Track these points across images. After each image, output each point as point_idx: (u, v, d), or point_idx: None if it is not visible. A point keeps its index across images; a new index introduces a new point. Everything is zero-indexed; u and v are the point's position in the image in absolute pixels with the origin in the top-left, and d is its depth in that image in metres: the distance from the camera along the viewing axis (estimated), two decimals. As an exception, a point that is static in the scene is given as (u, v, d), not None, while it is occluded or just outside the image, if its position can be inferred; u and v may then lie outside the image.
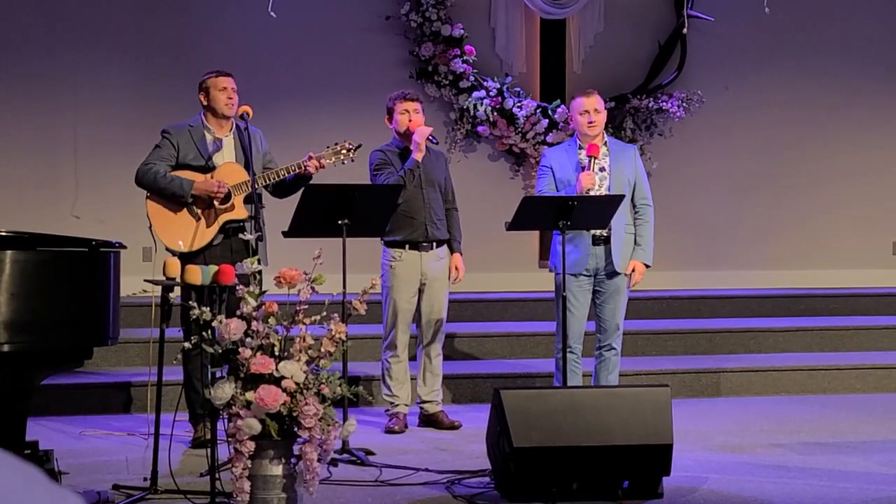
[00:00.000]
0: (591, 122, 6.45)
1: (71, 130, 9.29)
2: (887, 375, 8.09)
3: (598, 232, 6.39)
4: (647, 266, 6.56)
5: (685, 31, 9.92)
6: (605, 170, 6.48)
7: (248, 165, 6.08)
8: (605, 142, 6.59)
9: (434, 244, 6.73)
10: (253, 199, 6.01)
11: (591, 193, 6.34)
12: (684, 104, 9.90)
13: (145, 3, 9.34)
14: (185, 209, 6.18)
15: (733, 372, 7.96)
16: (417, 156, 6.59)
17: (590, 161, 6.36)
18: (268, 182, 6.25)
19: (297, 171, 6.23)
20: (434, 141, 6.67)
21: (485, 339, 8.32)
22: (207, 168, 6.21)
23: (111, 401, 7.19)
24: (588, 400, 5.21)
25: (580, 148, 6.50)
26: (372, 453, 5.92)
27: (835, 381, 8.02)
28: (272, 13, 8.97)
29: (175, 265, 5.08)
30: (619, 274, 6.46)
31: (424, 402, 6.82)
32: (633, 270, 6.50)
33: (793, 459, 5.93)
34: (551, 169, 6.50)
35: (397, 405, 6.72)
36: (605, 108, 9.59)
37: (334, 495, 5.13)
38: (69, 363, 4.71)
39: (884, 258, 10.39)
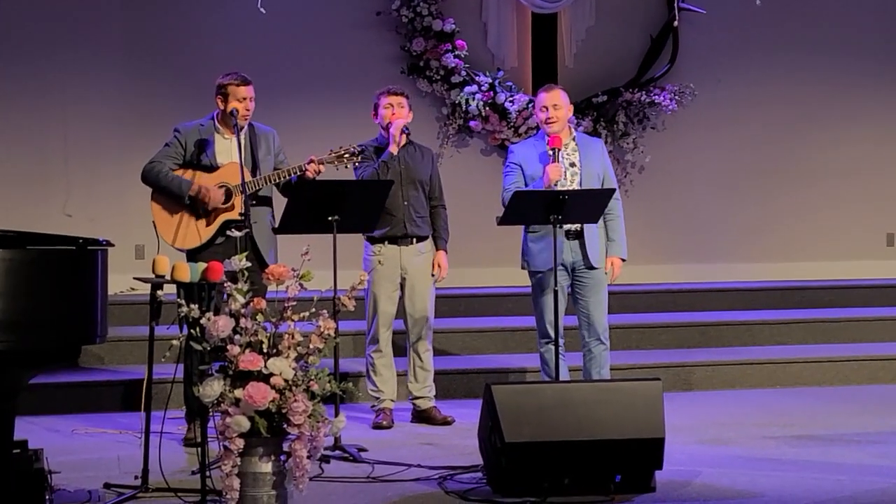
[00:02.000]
0: (548, 119, 6.43)
1: (61, 129, 9.27)
2: (882, 367, 8.08)
3: (570, 226, 6.37)
4: (623, 260, 6.54)
5: (677, 23, 9.90)
6: (575, 165, 6.46)
7: (254, 167, 6.13)
8: (574, 136, 6.56)
9: (413, 240, 6.71)
10: (254, 198, 6.09)
11: (559, 186, 6.30)
12: (677, 97, 9.89)
13: (134, 2, 9.31)
14: (186, 208, 6.22)
15: (727, 365, 7.95)
16: (393, 149, 6.61)
17: (554, 153, 6.33)
18: (265, 184, 6.25)
19: (298, 174, 6.24)
20: (406, 132, 6.65)
21: (477, 334, 8.31)
22: (212, 168, 6.25)
23: (104, 399, 7.17)
24: (579, 394, 5.20)
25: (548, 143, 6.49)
26: (364, 449, 5.91)
27: (829, 374, 8.01)
28: (261, 9, 8.95)
29: (164, 263, 5.08)
30: (596, 268, 6.44)
31: (416, 398, 6.80)
32: (612, 266, 6.48)
33: (786, 452, 5.92)
34: (520, 166, 6.48)
35: (383, 400, 6.71)
36: (597, 101, 9.74)
37: (325, 492, 5.12)
38: (57, 362, 4.69)
39: (878, 250, 10.39)
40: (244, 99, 6.25)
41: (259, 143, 6.34)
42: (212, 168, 6.27)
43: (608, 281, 6.50)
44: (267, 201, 6.40)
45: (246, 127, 6.30)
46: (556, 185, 6.28)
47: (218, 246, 6.21)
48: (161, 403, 5.94)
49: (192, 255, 6.17)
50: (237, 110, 6.17)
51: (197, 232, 6.24)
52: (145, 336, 5.24)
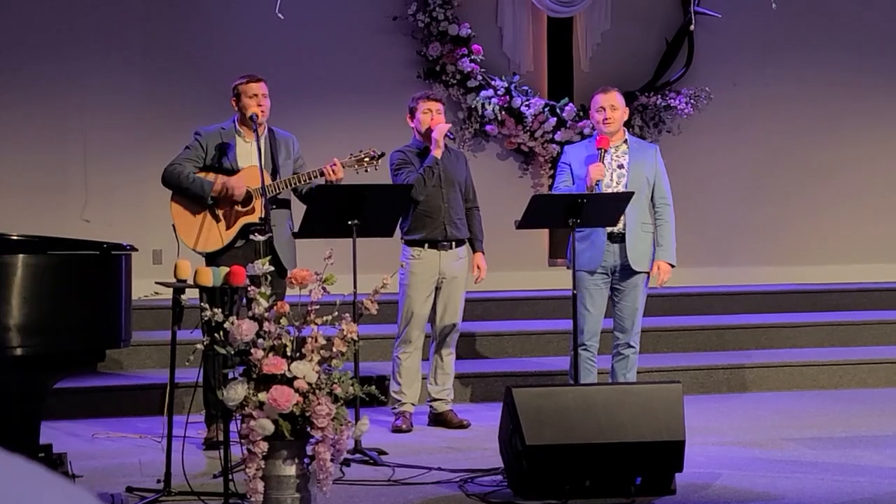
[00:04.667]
0: (605, 119, 6.46)
1: (80, 134, 9.31)
2: (899, 370, 8.09)
3: (614, 229, 6.39)
4: (672, 265, 6.53)
5: (692, 27, 9.92)
6: (623, 167, 6.49)
7: (274, 171, 6.16)
8: (626, 140, 6.58)
9: (453, 243, 6.75)
10: (274, 202, 6.09)
11: (603, 186, 6.34)
12: (692, 101, 9.90)
13: (153, 6, 9.36)
14: (206, 211, 6.24)
15: (745, 368, 7.96)
16: (437, 153, 6.62)
17: (600, 153, 6.37)
18: (285, 188, 6.26)
19: (318, 177, 6.26)
20: (451, 137, 6.71)
21: (496, 337, 8.32)
22: (232, 171, 6.27)
23: (123, 403, 7.20)
24: (600, 397, 5.21)
25: None
26: (384, 453, 5.93)
27: (846, 376, 8.01)
28: (280, 14, 8.99)
29: (186, 267, 5.10)
30: (636, 272, 6.44)
31: (434, 400, 6.83)
32: (659, 270, 6.48)
33: (805, 454, 5.92)
34: (570, 166, 6.52)
35: (404, 403, 6.73)
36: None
37: (347, 495, 5.14)
38: (82, 366, 4.73)
39: (894, 253, 10.38)
40: (254, 95, 6.26)
41: (279, 147, 6.36)
42: (232, 171, 6.27)
43: (654, 285, 6.52)
44: (286, 205, 6.42)
45: (265, 131, 6.32)
46: (598, 184, 6.31)
47: (237, 249, 6.23)
48: (182, 408, 5.98)
49: (212, 259, 6.16)
50: (256, 115, 6.19)
51: (218, 235, 6.24)
52: (163, 340, 5.27)
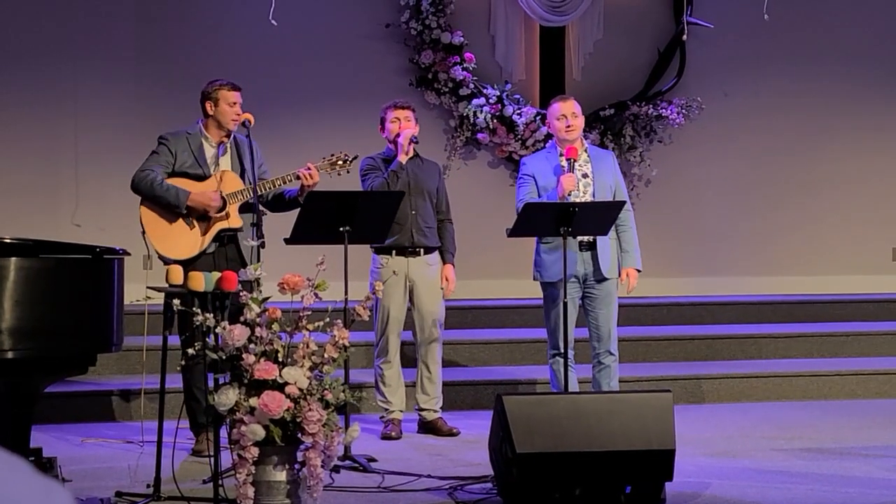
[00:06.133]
0: (568, 127, 6.46)
1: (72, 139, 9.30)
2: (888, 381, 8.10)
3: (583, 238, 6.39)
4: (639, 271, 6.56)
5: (684, 37, 9.93)
6: (588, 176, 6.49)
7: (245, 174, 6.11)
8: (586, 148, 6.60)
9: (421, 250, 6.74)
10: (251, 208, 6.01)
11: (572, 197, 6.33)
12: (684, 111, 9.92)
13: (145, 12, 9.35)
14: (179, 217, 6.15)
15: (735, 378, 7.96)
16: (401, 158, 6.64)
17: (569, 164, 6.37)
18: (266, 191, 6.23)
19: (294, 180, 6.22)
20: (414, 141, 6.69)
21: (485, 346, 8.33)
22: (204, 176, 6.20)
23: (112, 408, 7.19)
24: (591, 405, 5.21)
25: (560, 155, 6.51)
26: (374, 460, 5.93)
27: (836, 387, 8.03)
28: (273, 21, 8.98)
29: (178, 272, 5.09)
30: (607, 279, 6.46)
31: (423, 409, 6.82)
32: (628, 276, 6.50)
33: (795, 465, 5.93)
34: (533, 177, 6.51)
35: (392, 412, 6.73)
36: (604, 115, 9.77)
37: (337, 501, 5.14)
38: (73, 370, 4.72)
39: (883, 264, 10.40)
40: (234, 104, 6.23)
41: (244, 152, 6.29)
42: (202, 176, 6.20)
43: (625, 292, 6.53)
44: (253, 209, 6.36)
45: (231, 136, 6.28)
46: (569, 195, 6.30)
47: (209, 255, 6.17)
48: (171, 413, 5.95)
49: (184, 265, 6.02)
50: (249, 121, 6.16)
51: (192, 240, 6.13)
52: (151, 346, 5.25)
